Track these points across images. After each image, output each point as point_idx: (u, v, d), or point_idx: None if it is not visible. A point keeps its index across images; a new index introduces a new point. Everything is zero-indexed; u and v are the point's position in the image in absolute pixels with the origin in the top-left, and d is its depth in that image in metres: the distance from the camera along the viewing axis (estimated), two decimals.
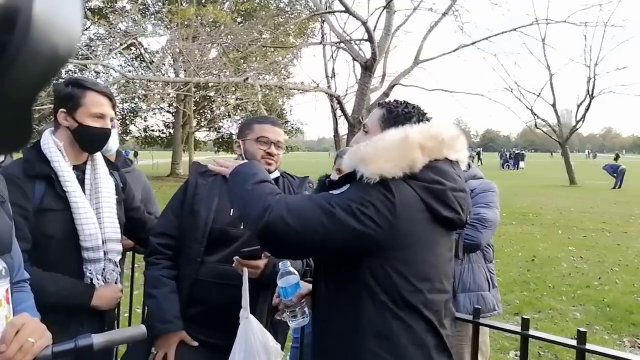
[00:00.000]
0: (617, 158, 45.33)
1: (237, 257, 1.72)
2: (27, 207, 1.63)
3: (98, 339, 1.10)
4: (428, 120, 1.44)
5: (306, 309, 1.51)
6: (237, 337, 1.65)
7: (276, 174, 1.96)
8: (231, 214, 1.86)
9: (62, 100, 1.75)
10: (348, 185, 1.29)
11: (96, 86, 1.79)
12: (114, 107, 1.85)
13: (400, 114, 1.41)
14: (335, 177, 2.88)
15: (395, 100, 1.48)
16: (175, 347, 1.75)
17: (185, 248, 1.83)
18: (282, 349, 1.98)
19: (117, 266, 1.84)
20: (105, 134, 1.80)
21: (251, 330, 1.65)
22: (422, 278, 1.28)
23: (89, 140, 1.78)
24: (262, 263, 1.73)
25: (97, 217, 1.76)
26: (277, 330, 1.88)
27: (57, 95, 1.77)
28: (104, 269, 1.77)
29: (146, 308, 2.06)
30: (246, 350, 1.62)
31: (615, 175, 19.99)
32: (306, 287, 1.55)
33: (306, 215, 1.23)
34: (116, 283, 1.83)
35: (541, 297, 5.34)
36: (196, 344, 1.77)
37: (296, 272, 1.54)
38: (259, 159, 1.88)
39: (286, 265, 1.53)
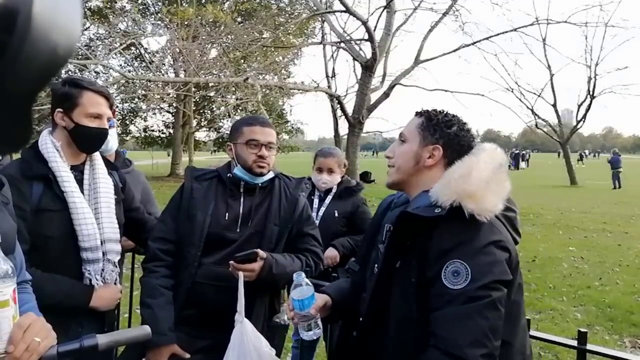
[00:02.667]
0: (580, 158, 44.17)
1: (232, 262, 1.71)
2: (24, 208, 1.63)
3: (103, 339, 1.10)
4: (468, 128, 1.39)
5: (319, 320, 1.47)
6: (231, 340, 1.65)
7: (270, 175, 1.94)
8: (226, 218, 1.85)
9: (59, 99, 1.74)
10: (464, 265, 1.16)
11: (93, 85, 1.78)
12: (111, 106, 1.83)
13: (441, 122, 1.37)
14: (317, 176, 2.91)
15: (433, 109, 1.43)
16: None
17: (183, 252, 1.83)
18: (281, 350, 1.97)
19: (116, 266, 1.83)
20: (102, 134, 1.79)
21: (245, 334, 1.64)
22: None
23: (85, 140, 1.77)
24: (257, 266, 1.73)
25: (95, 217, 1.75)
26: (274, 333, 1.87)
27: (54, 95, 1.75)
28: (102, 269, 1.76)
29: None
30: (239, 353, 1.62)
31: (613, 170, 20.02)
32: (320, 297, 1.50)
33: (486, 335, 1.12)
34: (115, 283, 1.83)
35: (542, 297, 5.34)
36: (188, 355, 1.75)
37: (310, 283, 1.49)
38: (250, 164, 1.86)
39: (300, 276, 1.48)
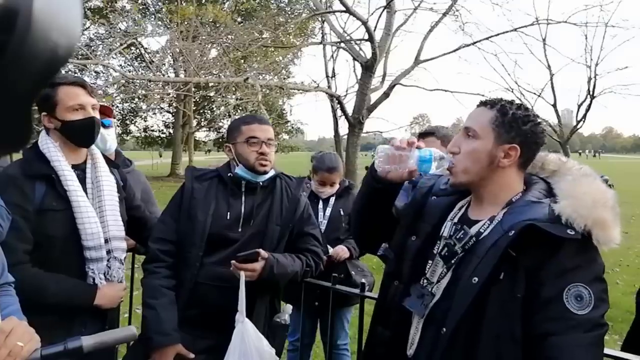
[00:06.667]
0: None
1: (233, 261, 1.71)
2: (27, 208, 1.63)
3: (87, 341, 1.08)
4: (539, 121, 1.28)
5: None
6: (232, 340, 1.65)
7: (272, 173, 1.94)
8: (228, 218, 1.85)
9: (41, 103, 1.72)
10: (587, 291, 1.10)
11: (65, 79, 1.75)
12: (90, 93, 1.78)
13: (518, 117, 1.24)
14: (319, 188, 2.93)
15: (502, 99, 1.29)
16: None
17: (184, 252, 1.83)
18: (280, 351, 1.98)
19: (122, 264, 1.84)
20: (89, 123, 1.75)
21: (246, 334, 1.65)
22: None
23: (76, 134, 1.76)
24: (258, 265, 1.73)
25: (100, 215, 1.76)
26: (275, 333, 1.87)
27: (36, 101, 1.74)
28: (108, 268, 1.76)
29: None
30: (240, 353, 1.63)
31: None
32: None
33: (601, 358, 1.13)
34: (120, 281, 1.84)
35: None
36: (192, 355, 1.76)
37: (444, 156, 1.32)
38: (252, 162, 1.86)
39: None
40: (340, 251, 2.81)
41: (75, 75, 1.89)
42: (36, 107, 1.81)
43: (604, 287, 1.14)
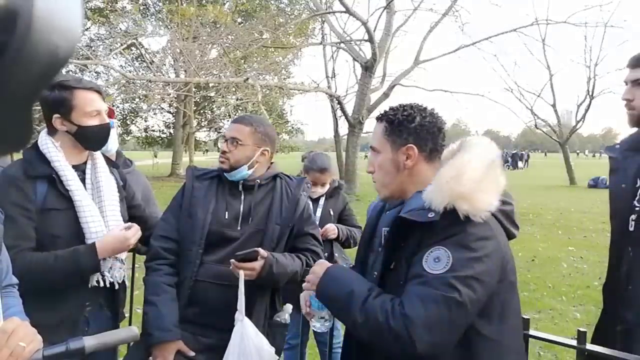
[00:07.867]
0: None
1: (232, 260, 1.72)
2: (29, 207, 1.63)
3: (89, 342, 1.08)
4: (431, 114, 1.36)
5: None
6: (231, 339, 1.65)
7: (242, 173, 1.90)
8: (226, 216, 1.86)
9: (53, 105, 1.71)
10: (447, 254, 1.15)
11: (81, 83, 1.75)
12: (104, 99, 1.81)
13: (403, 119, 1.33)
14: (311, 188, 2.94)
15: (389, 108, 1.40)
16: (173, 357, 1.73)
17: (184, 250, 1.84)
18: (281, 349, 1.98)
19: (124, 263, 1.85)
20: (105, 130, 1.79)
21: (245, 333, 1.65)
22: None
23: (91, 139, 1.78)
24: (257, 264, 1.73)
25: (100, 214, 1.76)
26: (275, 332, 1.88)
27: (45, 101, 1.72)
28: (110, 267, 1.76)
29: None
30: (239, 352, 1.63)
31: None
32: None
33: (442, 326, 1.12)
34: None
35: (541, 297, 5.34)
36: (192, 353, 1.76)
37: None
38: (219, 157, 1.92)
39: None
40: (331, 230, 2.95)
41: (89, 80, 1.90)
42: (39, 107, 1.80)
43: (471, 255, 1.15)
